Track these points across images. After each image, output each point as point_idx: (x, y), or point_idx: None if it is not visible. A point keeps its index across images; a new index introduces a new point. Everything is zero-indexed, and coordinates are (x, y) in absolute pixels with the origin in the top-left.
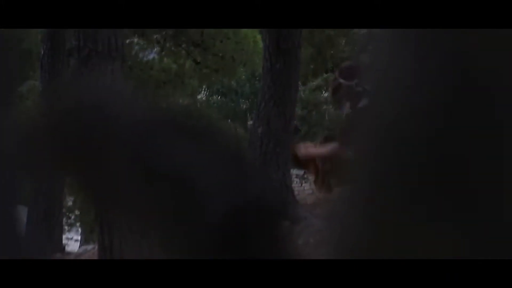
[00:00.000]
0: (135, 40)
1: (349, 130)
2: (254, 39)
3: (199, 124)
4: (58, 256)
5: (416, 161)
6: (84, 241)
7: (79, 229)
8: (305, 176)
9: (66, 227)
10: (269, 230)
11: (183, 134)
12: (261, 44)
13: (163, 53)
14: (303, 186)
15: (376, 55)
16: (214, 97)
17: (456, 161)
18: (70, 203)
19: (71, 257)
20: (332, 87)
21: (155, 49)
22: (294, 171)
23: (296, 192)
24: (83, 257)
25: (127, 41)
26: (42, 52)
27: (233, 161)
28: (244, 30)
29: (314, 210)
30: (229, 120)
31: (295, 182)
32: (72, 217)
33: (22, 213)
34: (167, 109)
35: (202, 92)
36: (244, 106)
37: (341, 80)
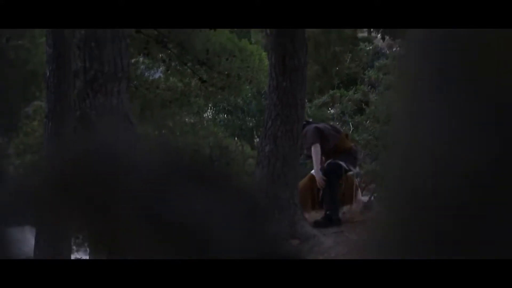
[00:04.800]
0: (141, 59)
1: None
2: (260, 56)
3: (212, 171)
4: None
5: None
6: None
7: (87, 250)
8: None
9: (74, 247)
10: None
11: (196, 181)
12: (266, 62)
13: (169, 72)
14: None
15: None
16: (221, 115)
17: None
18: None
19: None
20: None
21: (161, 68)
22: None
23: None
24: None
25: (133, 60)
26: (48, 73)
27: (247, 208)
28: (249, 48)
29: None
30: (236, 138)
31: None
32: (80, 237)
33: (30, 234)
34: (181, 154)
35: (208, 110)
36: (251, 124)
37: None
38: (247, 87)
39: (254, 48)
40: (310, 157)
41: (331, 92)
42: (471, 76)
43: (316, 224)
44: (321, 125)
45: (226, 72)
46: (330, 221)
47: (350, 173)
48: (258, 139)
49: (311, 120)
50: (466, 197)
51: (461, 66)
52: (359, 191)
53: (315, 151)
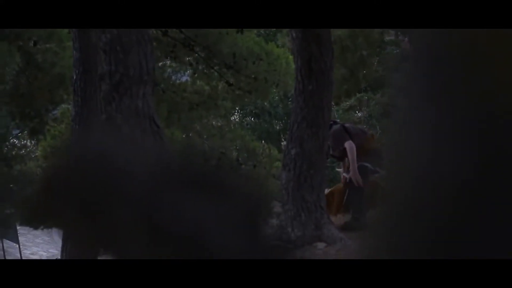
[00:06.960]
0: (168, 63)
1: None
2: (286, 60)
3: (216, 175)
4: None
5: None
6: None
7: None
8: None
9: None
10: None
11: (196, 187)
12: (293, 65)
13: (196, 75)
14: None
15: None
16: (248, 118)
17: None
18: None
19: None
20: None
21: (188, 71)
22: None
23: None
24: None
25: (160, 64)
26: (74, 77)
27: (246, 217)
28: (276, 51)
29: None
30: (263, 141)
31: None
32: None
33: (58, 237)
34: (181, 156)
35: (236, 113)
36: (278, 127)
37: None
38: (274, 90)
39: (281, 51)
40: (336, 157)
41: (358, 95)
42: (482, 81)
43: (346, 225)
44: (347, 124)
45: (253, 76)
46: (357, 223)
47: (375, 175)
48: (284, 143)
49: (338, 120)
50: (477, 201)
51: (467, 70)
52: None
53: (350, 148)
